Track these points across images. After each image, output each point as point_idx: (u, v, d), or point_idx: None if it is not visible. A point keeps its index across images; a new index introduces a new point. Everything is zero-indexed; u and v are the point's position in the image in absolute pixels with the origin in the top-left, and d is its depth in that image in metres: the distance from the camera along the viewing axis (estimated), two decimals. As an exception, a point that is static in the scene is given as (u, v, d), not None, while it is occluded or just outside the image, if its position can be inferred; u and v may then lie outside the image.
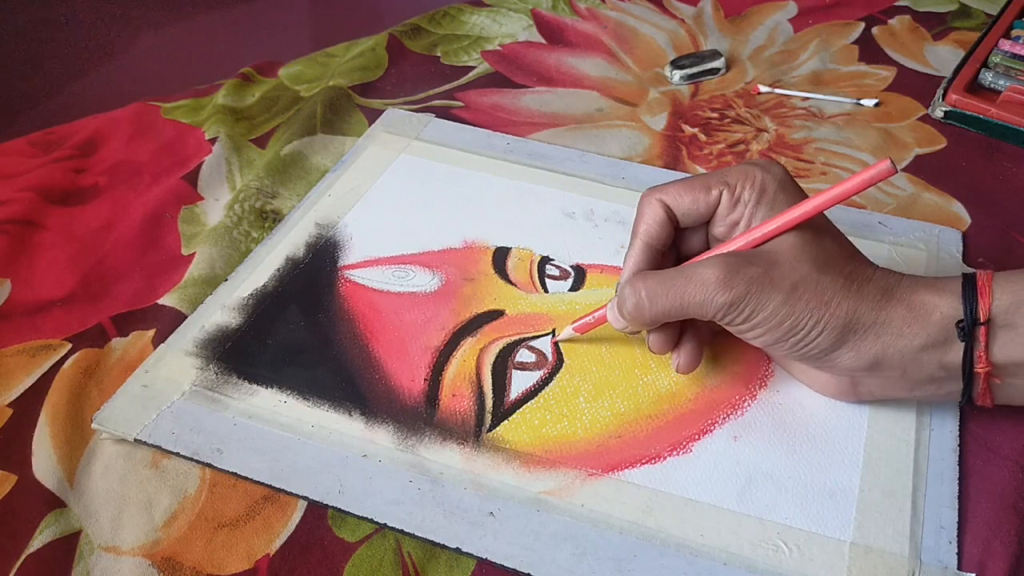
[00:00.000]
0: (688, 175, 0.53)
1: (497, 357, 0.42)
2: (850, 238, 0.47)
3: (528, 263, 0.47)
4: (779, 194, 0.37)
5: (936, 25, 0.69)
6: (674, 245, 0.40)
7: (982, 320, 0.34)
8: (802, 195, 0.37)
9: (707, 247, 0.40)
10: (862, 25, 0.68)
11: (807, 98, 0.61)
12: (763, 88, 0.61)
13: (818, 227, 0.36)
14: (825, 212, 0.36)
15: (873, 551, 0.34)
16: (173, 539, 0.36)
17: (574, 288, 0.46)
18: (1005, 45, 0.61)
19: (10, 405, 0.41)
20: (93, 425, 0.39)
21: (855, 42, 0.67)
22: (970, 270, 0.46)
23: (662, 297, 0.36)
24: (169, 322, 0.44)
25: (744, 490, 0.36)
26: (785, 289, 0.34)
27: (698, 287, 0.35)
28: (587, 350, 0.42)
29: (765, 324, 0.35)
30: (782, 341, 0.35)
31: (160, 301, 0.46)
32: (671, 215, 0.38)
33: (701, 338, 0.40)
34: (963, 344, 0.34)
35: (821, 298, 0.34)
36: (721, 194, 0.37)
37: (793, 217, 0.36)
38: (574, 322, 0.42)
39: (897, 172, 0.34)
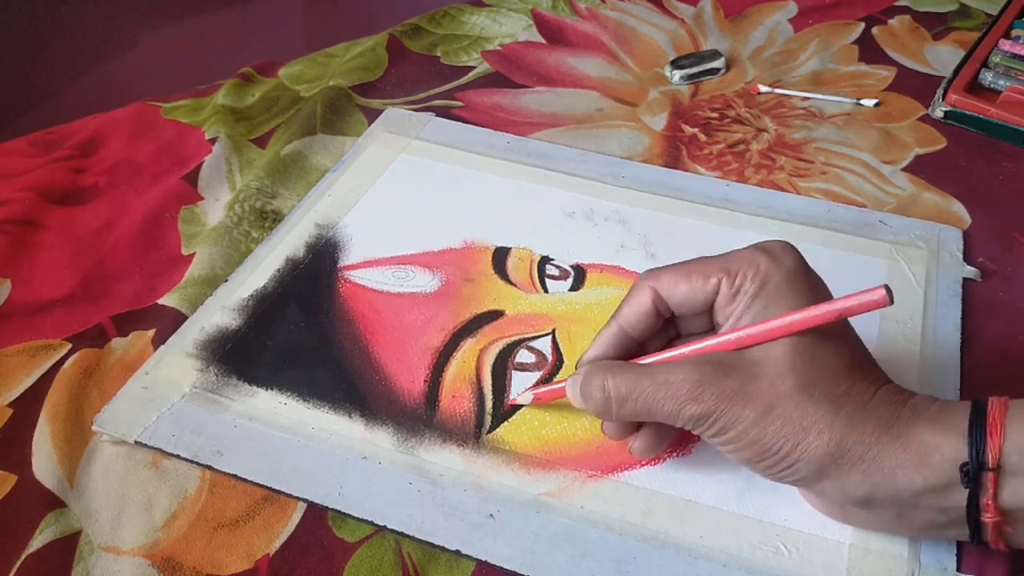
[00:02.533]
0: (688, 174, 0.53)
1: (497, 358, 0.42)
2: (851, 237, 0.48)
3: (528, 263, 0.47)
4: (781, 287, 0.33)
5: (936, 25, 0.69)
6: (674, 324, 0.37)
7: (990, 465, 0.29)
8: (817, 289, 0.33)
9: (712, 330, 0.36)
10: (862, 25, 0.68)
11: (807, 98, 0.61)
12: (763, 88, 0.61)
13: (821, 333, 0.32)
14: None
15: (872, 553, 0.34)
16: (173, 539, 0.36)
17: (574, 288, 0.46)
18: (1005, 45, 0.61)
19: (10, 405, 0.41)
20: (94, 427, 0.39)
21: (855, 42, 0.67)
22: (972, 270, 0.46)
23: (631, 402, 0.33)
24: (169, 322, 0.44)
25: (744, 491, 0.36)
26: (759, 408, 0.31)
27: (668, 397, 0.32)
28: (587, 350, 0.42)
29: (736, 442, 0.32)
30: (755, 462, 0.32)
31: (160, 301, 0.46)
32: (661, 304, 0.35)
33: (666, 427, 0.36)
34: (967, 491, 0.30)
35: (799, 423, 0.30)
36: (720, 283, 0.34)
37: (773, 327, 0.32)
38: (533, 387, 0.40)
39: (892, 304, 0.30)
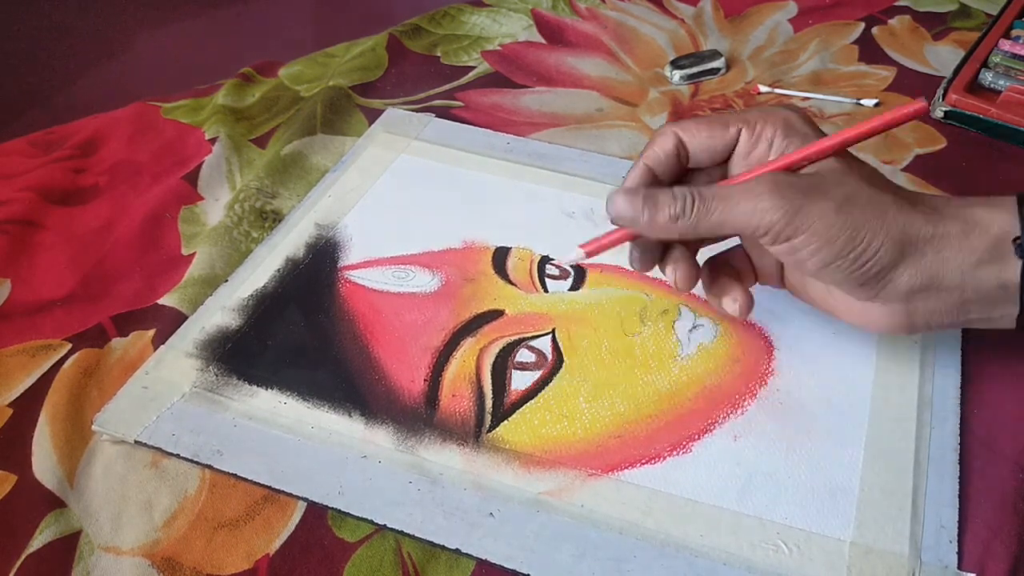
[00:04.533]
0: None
1: (497, 357, 0.42)
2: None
3: (528, 263, 0.47)
4: (807, 127, 0.36)
5: (936, 25, 0.69)
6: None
7: None
8: (824, 133, 0.36)
9: None
10: (862, 25, 0.68)
11: (807, 98, 0.61)
12: (763, 88, 0.61)
13: (855, 159, 0.35)
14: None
15: (873, 551, 0.34)
16: (173, 539, 0.36)
17: (574, 288, 0.46)
18: (1005, 45, 0.61)
19: (10, 405, 0.41)
20: (94, 427, 0.39)
21: (855, 42, 0.67)
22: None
23: (715, 208, 0.34)
24: (169, 322, 0.44)
25: (744, 490, 0.36)
26: (838, 199, 0.33)
27: (752, 201, 0.33)
28: (587, 350, 0.42)
29: (820, 238, 0.33)
30: (839, 259, 0.33)
31: (160, 301, 0.46)
32: (682, 150, 0.37)
33: (691, 251, 0.38)
34: (1021, 261, 0.33)
35: (876, 209, 0.33)
36: (740, 132, 0.36)
37: (833, 143, 0.34)
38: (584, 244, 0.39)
39: (928, 111, 0.34)
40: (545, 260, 0.47)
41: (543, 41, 0.68)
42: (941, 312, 0.35)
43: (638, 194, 0.35)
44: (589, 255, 0.39)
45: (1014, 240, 0.33)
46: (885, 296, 0.34)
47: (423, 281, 0.46)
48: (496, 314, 0.44)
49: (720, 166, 0.38)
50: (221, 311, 0.45)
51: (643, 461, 0.38)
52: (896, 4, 0.71)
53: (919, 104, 0.33)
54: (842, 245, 0.33)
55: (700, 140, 0.37)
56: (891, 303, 0.35)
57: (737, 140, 0.36)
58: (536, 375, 0.41)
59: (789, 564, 0.34)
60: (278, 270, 0.47)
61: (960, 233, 0.33)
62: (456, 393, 0.41)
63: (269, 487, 0.37)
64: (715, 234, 0.35)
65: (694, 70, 0.62)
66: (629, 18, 0.70)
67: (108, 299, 0.47)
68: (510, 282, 0.46)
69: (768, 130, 0.36)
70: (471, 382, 0.41)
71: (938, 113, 0.58)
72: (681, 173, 0.38)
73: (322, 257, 0.48)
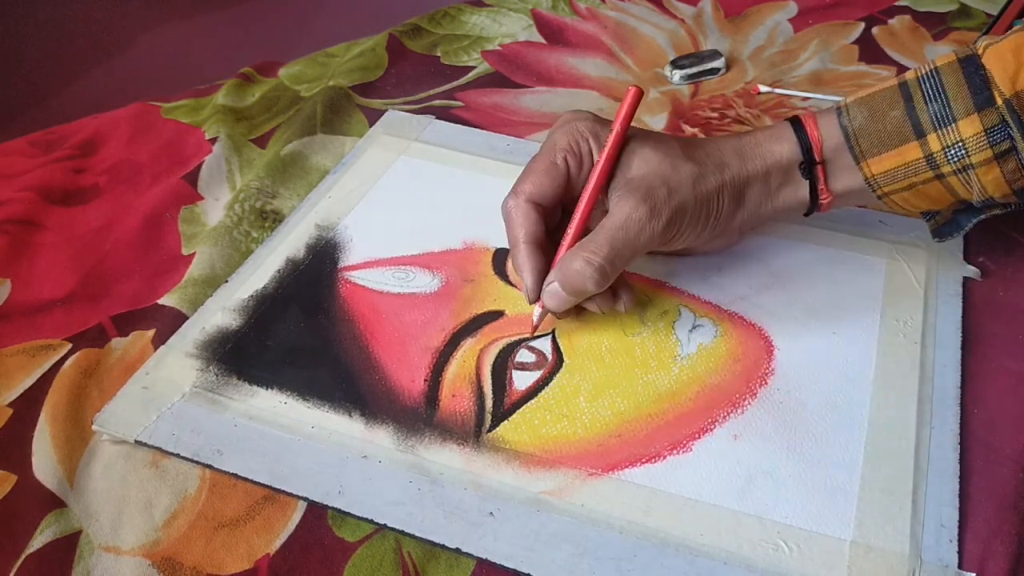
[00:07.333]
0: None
1: (497, 357, 0.42)
2: (851, 237, 0.48)
3: (528, 263, 0.47)
4: (603, 130, 0.41)
5: (936, 25, 0.69)
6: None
7: (818, 160, 0.40)
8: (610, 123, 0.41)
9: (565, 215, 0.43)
10: (862, 25, 0.68)
11: (807, 98, 0.61)
12: (763, 88, 0.61)
13: (647, 137, 0.41)
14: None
15: (873, 550, 0.34)
16: (173, 539, 0.36)
17: (574, 288, 0.46)
18: (1005, 45, 0.61)
19: (10, 405, 0.41)
20: (94, 427, 0.39)
21: (855, 42, 0.67)
22: (972, 269, 0.46)
23: (619, 257, 0.39)
24: (169, 322, 0.44)
25: (744, 489, 0.36)
26: (688, 185, 0.39)
27: (638, 229, 0.39)
28: (587, 350, 0.42)
29: (694, 223, 0.40)
30: (706, 228, 0.41)
31: (160, 301, 0.46)
32: (539, 209, 0.41)
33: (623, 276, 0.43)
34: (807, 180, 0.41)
35: (715, 173, 0.40)
36: (566, 159, 0.41)
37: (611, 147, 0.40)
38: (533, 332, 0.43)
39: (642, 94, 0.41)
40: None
41: (543, 41, 0.68)
42: (755, 227, 0.44)
43: (556, 288, 0.40)
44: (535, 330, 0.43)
45: (799, 165, 0.41)
46: (727, 236, 0.44)
47: (423, 282, 0.46)
48: (496, 315, 0.44)
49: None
50: (221, 311, 0.45)
51: (643, 460, 0.38)
52: (896, 4, 0.71)
53: (633, 91, 0.40)
54: (704, 216, 0.40)
55: (549, 192, 0.41)
56: (728, 237, 0.44)
57: (568, 167, 0.41)
58: (536, 375, 0.41)
59: (789, 563, 0.34)
60: (278, 271, 0.47)
61: (763, 171, 0.41)
62: (456, 393, 0.41)
63: (269, 487, 0.37)
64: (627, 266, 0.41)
65: (694, 70, 0.62)
66: (629, 18, 0.70)
67: (108, 299, 0.47)
68: (510, 283, 0.46)
69: (583, 146, 0.41)
70: (471, 382, 0.41)
71: (938, 113, 0.58)
72: (548, 226, 0.42)
73: (322, 258, 0.48)
